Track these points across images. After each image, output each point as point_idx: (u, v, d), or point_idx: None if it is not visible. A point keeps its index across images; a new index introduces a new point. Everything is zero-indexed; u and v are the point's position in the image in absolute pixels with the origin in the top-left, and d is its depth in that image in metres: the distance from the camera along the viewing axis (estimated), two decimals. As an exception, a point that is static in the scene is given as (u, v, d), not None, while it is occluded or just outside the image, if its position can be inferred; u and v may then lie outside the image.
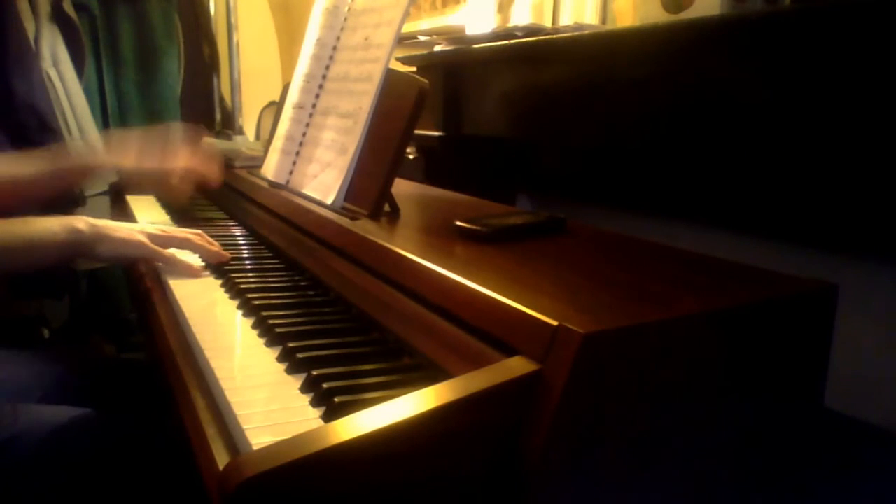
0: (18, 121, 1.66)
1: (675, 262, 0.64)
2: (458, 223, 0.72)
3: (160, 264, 0.89)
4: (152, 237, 0.90)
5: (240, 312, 0.73)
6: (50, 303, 1.85)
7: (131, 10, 2.02)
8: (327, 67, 1.00)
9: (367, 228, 0.75)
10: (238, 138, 1.84)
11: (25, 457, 0.76)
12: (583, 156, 1.26)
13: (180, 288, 0.81)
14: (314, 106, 1.01)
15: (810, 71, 0.82)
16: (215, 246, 0.92)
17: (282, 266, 0.90)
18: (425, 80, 0.81)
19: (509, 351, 0.46)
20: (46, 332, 1.87)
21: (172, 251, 0.90)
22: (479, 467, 0.43)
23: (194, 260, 0.90)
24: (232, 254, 0.96)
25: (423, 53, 1.57)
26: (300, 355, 0.59)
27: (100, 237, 0.87)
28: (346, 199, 0.86)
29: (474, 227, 0.71)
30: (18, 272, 0.88)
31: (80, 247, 0.87)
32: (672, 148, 1.03)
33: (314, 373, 0.54)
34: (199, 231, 0.95)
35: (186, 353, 0.65)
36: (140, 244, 0.89)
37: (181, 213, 1.25)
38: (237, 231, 1.13)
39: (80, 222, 0.87)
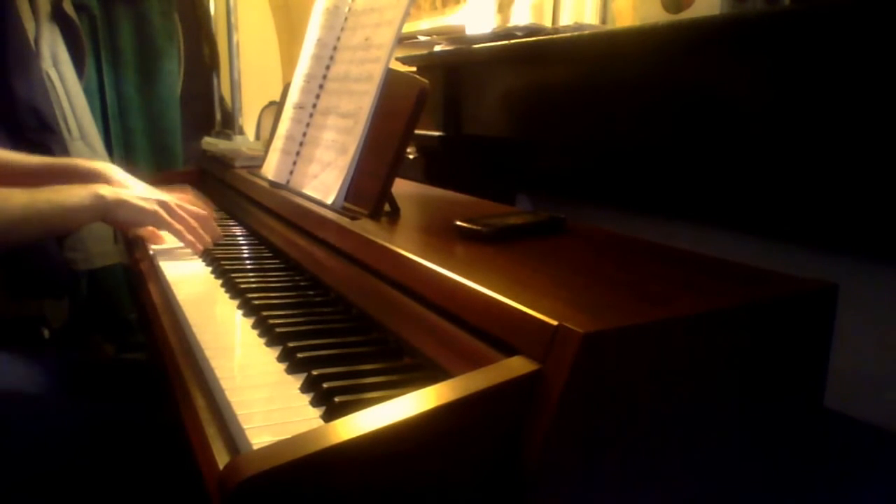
0: (18, 121, 1.65)
1: (675, 262, 0.64)
2: (458, 223, 0.72)
3: (159, 260, 0.93)
4: (168, 209, 0.99)
5: (240, 312, 0.73)
6: (50, 303, 1.85)
7: (131, 10, 2.01)
8: (328, 67, 1.00)
9: (367, 228, 0.75)
10: (238, 138, 1.83)
11: (23, 446, 0.76)
12: (583, 156, 1.26)
13: (181, 287, 0.81)
14: (314, 106, 1.01)
15: (810, 71, 0.82)
16: (209, 234, 1.02)
17: (282, 266, 0.90)
18: (425, 80, 0.81)
19: (509, 351, 0.46)
20: (46, 332, 1.87)
21: (181, 227, 0.99)
22: (479, 467, 0.43)
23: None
24: (232, 254, 0.96)
25: (423, 53, 1.57)
26: (300, 355, 0.59)
27: (120, 203, 0.95)
28: (346, 199, 0.86)
29: (474, 227, 0.71)
30: (49, 237, 0.94)
31: (102, 212, 0.94)
32: (672, 148, 1.03)
33: (314, 372, 0.54)
34: (206, 214, 1.03)
35: (187, 353, 0.65)
36: (155, 213, 0.97)
37: None
38: (237, 231, 1.13)
39: (103, 189, 0.95)
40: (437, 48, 1.55)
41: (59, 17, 1.81)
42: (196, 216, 1.02)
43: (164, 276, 0.87)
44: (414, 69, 1.57)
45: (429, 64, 1.55)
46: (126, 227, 1.06)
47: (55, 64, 1.78)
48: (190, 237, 0.99)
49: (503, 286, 0.52)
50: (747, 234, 0.97)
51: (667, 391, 0.47)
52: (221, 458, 0.47)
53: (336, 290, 0.76)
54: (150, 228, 1.02)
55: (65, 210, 0.92)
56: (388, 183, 0.82)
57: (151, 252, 0.99)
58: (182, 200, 1.07)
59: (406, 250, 0.64)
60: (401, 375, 0.56)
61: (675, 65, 1.00)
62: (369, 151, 0.85)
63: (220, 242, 1.03)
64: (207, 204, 1.27)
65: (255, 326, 0.68)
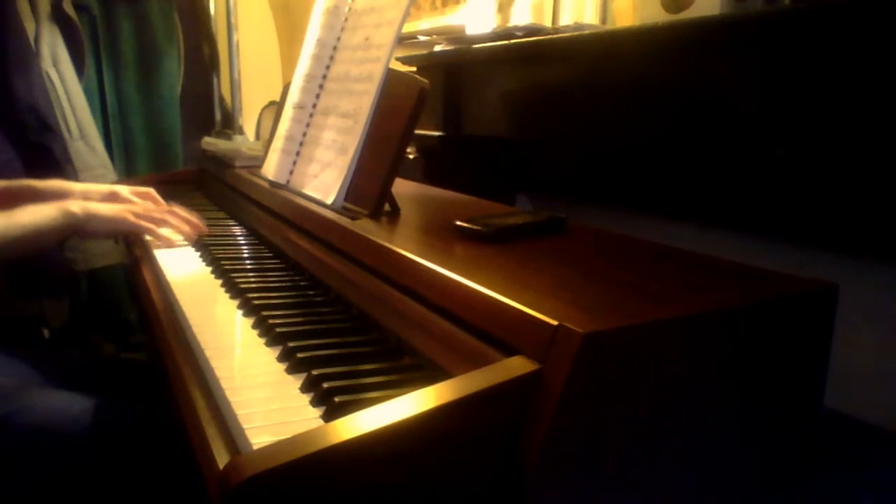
0: (18, 121, 1.65)
1: (675, 262, 0.64)
2: (458, 223, 0.72)
3: (158, 258, 0.94)
4: (137, 214, 1.02)
5: (240, 312, 0.73)
6: (50, 303, 1.84)
7: (131, 10, 2.01)
8: (328, 67, 1.00)
9: (367, 228, 0.75)
10: (238, 138, 1.83)
11: (24, 436, 0.77)
12: (583, 156, 1.26)
13: (181, 287, 0.81)
14: (314, 106, 1.01)
15: (810, 71, 0.82)
16: (192, 221, 1.05)
17: (282, 266, 0.90)
18: (425, 80, 0.81)
19: (509, 351, 0.46)
20: (46, 332, 1.87)
21: (152, 226, 1.02)
22: (479, 467, 0.43)
23: (172, 234, 1.04)
24: (232, 254, 0.96)
25: (423, 53, 1.57)
26: (300, 355, 0.59)
27: (91, 216, 0.98)
28: (346, 199, 0.86)
29: (474, 227, 0.71)
30: (25, 257, 0.96)
31: (74, 227, 0.97)
32: (672, 148, 1.03)
33: (314, 372, 0.54)
34: (173, 209, 1.08)
35: (187, 353, 0.65)
36: (125, 220, 1.00)
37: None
38: (237, 231, 1.13)
39: (73, 205, 0.97)
40: (437, 48, 1.55)
41: (59, 17, 1.81)
42: (163, 221, 1.05)
43: (164, 277, 0.87)
44: (414, 69, 1.57)
45: (429, 64, 1.55)
46: (102, 238, 1.09)
47: (55, 64, 1.78)
48: (163, 236, 1.03)
49: (503, 286, 0.52)
50: (747, 234, 0.97)
51: (667, 391, 0.47)
52: (221, 458, 0.47)
53: (336, 290, 0.76)
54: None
55: (39, 232, 0.94)
56: (388, 183, 0.82)
57: (150, 249, 0.99)
58: (143, 196, 1.11)
59: (406, 250, 0.64)
60: (401, 375, 0.56)
61: (675, 65, 1.00)
62: (369, 151, 0.85)
63: (221, 242, 1.03)
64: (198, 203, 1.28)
65: (255, 326, 0.68)
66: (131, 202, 1.08)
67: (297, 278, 0.84)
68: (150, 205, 1.10)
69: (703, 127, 0.97)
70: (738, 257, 0.63)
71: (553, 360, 0.43)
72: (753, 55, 0.89)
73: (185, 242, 1.04)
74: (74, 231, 0.98)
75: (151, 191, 1.14)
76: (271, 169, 1.08)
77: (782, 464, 0.56)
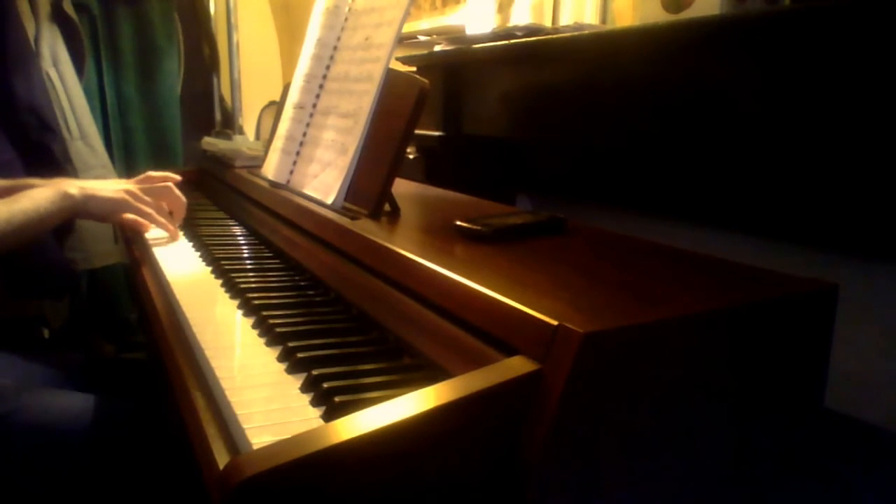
0: (18, 121, 1.65)
1: (675, 262, 0.64)
2: (458, 223, 0.72)
3: (158, 257, 0.94)
4: (134, 195, 1.05)
5: (240, 312, 0.73)
6: (50, 303, 1.84)
7: (131, 10, 2.01)
8: (328, 67, 1.00)
9: (367, 228, 0.75)
10: (238, 138, 1.83)
11: (23, 436, 0.77)
12: (583, 156, 1.26)
13: (181, 287, 0.81)
14: (315, 106, 1.01)
15: (810, 71, 0.82)
16: (178, 217, 1.12)
17: (282, 266, 0.90)
18: (426, 80, 0.81)
19: (509, 351, 0.46)
20: (46, 332, 1.87)
21: (151, 211, 1.06)
22: (480, 467, 0.43)
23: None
24: (232, 254, 0.96)
25: (423, 53, 1.57)
26: (300, 355, 0.59)
27: (89, 197, 1.00)
28: (346, 199, 0.86)
29: (474, 227, 0.71)
30: (29, 242, 0.97)
31: (74, 209, 0.99)
32: (672, 148, 1.03)
33: (314, 372, 0.54)
34: (176, 178, 1.14)
35: (187, 353, 0.65)
36: (123, 201, 1.03)
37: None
38: (237, 231, 1.13)
39: (71, 187, 0.99)
40: (437, 48, 1.55)
41: (59, 17, 1.81)
42: (165, 180, 1.10)
43: (164, 277, 0.87)
44: (414, 69, 1.57)
45: (429, 64, 1.55)
46: (100, 219, 1.10)
47: (55, 64, 1.78)
48: (160, 219, 1.05)
49: (503, 286, 0.52)
50: (747, 234, 0.97)
51: (667, 391, 0.47)
52: (221, 458, 0.47)
53: (336, 290, 0.76)
54: (131, 216, 1.06)
55: (40, 216, 0.95)
56: (388, 183, 0.82)
57: (150, 249, 0.99)
58: (146, 182, 1.14)
59: (406, 250, 0.64)
60: (401, 375, 0.56)
61: (675, 65, 1.00)
62: (369, 151, 0.85)
63: (221, 242, 1.03)
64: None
65: (255, 326, 0.68)
66: (137, 190, 1.10)
67: (297, 278, 0.84)
68: (153, 189, 1.12)
69: (703, 127, 0.97)
70: (738, 257, 0.63)
71: (553, 360, 0.43)
72: (753, 55, 0.89)
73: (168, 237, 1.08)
74: (74, 213, 0.99)
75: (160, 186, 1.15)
76: (271, 169, 1.08)
77: (783, 464, 0.56)
